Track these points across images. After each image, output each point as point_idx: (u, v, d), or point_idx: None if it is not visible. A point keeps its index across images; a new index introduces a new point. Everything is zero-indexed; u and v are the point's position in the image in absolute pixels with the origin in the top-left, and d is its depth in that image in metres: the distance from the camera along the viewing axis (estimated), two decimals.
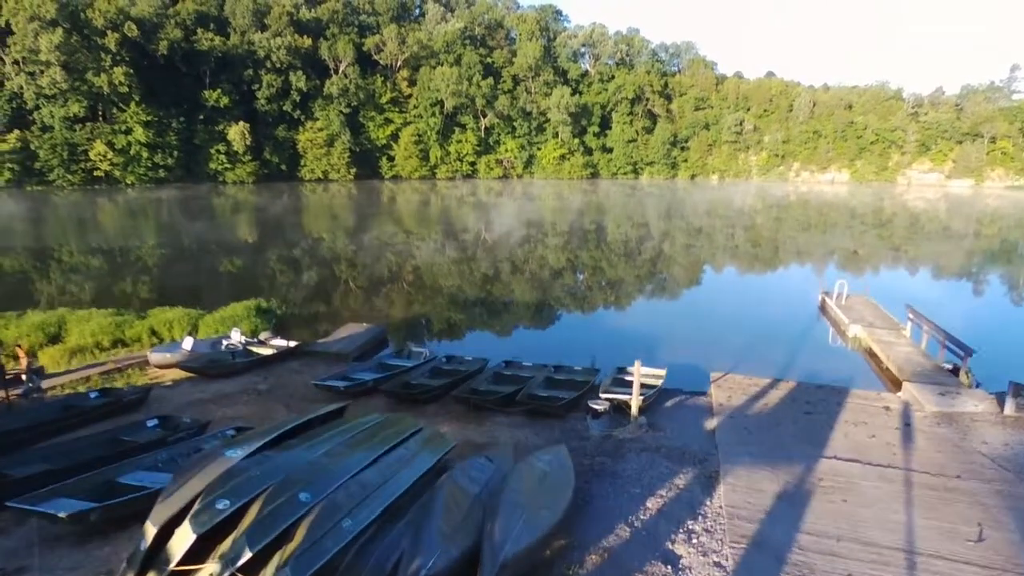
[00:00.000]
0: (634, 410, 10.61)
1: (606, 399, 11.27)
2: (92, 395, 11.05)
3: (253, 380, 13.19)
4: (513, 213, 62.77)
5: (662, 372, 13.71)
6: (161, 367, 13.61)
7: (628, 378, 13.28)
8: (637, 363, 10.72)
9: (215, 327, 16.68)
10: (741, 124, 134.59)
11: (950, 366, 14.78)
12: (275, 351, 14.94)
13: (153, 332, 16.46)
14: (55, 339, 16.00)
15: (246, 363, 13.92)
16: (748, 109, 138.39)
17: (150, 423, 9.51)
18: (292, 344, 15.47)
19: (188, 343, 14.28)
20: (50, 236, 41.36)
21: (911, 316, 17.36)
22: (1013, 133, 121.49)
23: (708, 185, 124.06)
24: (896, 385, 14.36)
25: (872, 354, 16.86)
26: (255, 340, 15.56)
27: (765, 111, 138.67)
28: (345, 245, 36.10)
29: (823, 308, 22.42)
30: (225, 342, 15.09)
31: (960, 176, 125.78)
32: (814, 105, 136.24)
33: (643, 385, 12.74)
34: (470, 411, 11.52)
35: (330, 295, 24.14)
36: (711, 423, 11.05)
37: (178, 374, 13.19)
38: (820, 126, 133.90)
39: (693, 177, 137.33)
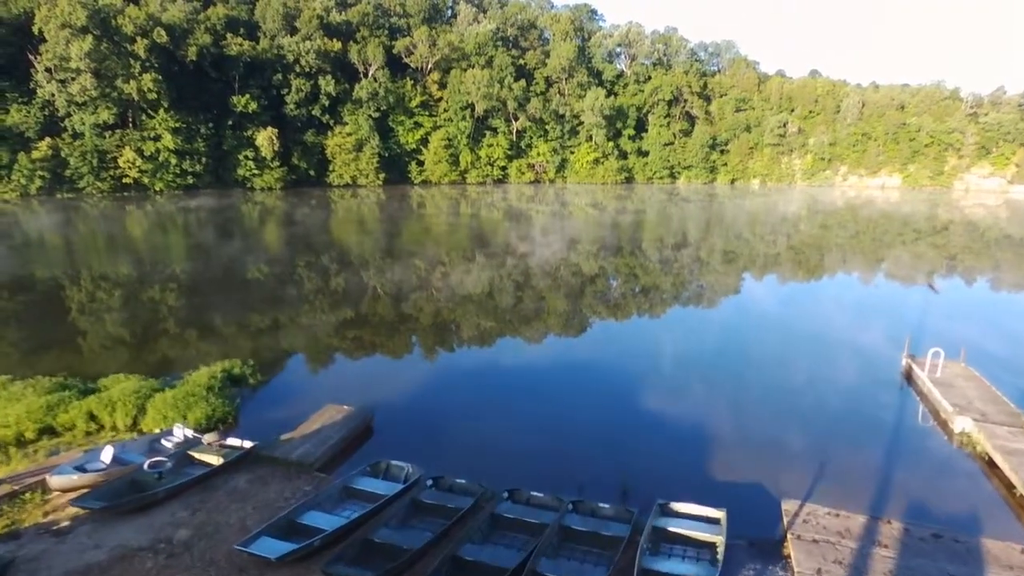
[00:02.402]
0: None
1: None
2: None
3: (177, 517, 10.10)
4: (543, 227, 59.44)
5: (720, 515, 10.17)
6: (65, 491, 10.71)
7: (673, 528, 9.84)
8: None
9: (164, 412, 13.75)
10: (785, 126, 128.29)
11: None
12: (222, 459, 11.83)
13: (92, 417, 13.65)
14: None
15: (174, 488, 10.80)
16: (792, 110, 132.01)
17: None
18: (247, 445, 12.41)
19: (107, 454, 11.33)
20: (56, 258, 39.64)
21: None
22: None
23: (749, 190, 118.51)
24: None
25: (992, 465, 13.01)
26: (200, 440, 12.52)
27: (810, 112, 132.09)
28: (349, 283, 32.47)
29: (909, 379, 18.40)
30: (165, 440, 12.15)
31: None
32: (863, 105, 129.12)
33: (697, 544, 9.33)
34: None
35: (318, 357, 20.81)
36: None
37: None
38: (870, 128, 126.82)
39: (733, 182, 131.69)
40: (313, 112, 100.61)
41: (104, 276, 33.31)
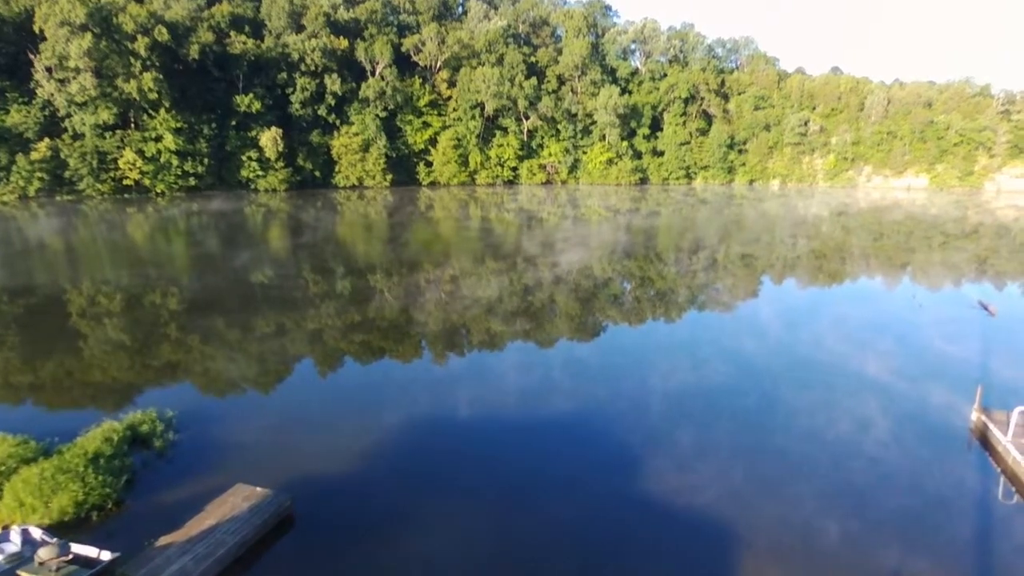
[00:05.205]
0: None
1: None
2: None
3: None
4: (551, 236, 56.50)
5: None
6: None
7: None
8: None
9: (22, 497, 10.83)
10: (806, 124, 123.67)
11: None
12: None
13: None
14: None
15: None
16: (814, 108, 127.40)
17: None
18: (104, 557, 9.59)
19: None
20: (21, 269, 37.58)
21: None
22: None
23: (769, 192, 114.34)
24: None
25: None
26: (36, 549, 9.53)
27: (832, 110, 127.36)
28: (334, 307, 29.44)
29: (984, 442, 14.97)
30: None
31: None
32: (888, 103, 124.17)
33: None
34: None
35: (251, 407, 17.52)
36: None
37: None
38: (895, 126, 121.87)
39: (752, 182, 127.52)
40: (319, 112, 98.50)
41: (55, 290, 31.09)
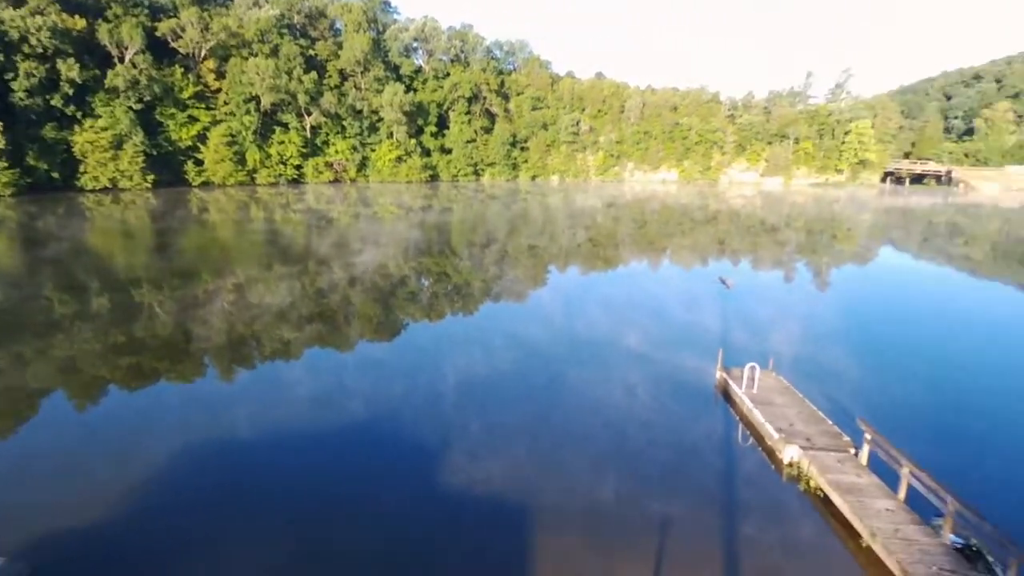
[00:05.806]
0: None
1: None
2: None
3: None
4: (342, 234, 54.64)
5: None
6: None
7: None
8: None
9: None
10: (577, 124, 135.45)
11: (960, 543, 10.41)
12: None
13: None
14: None
15: None
16: (583, 109, 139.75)
17: None
18: None
19: None
20: None
21: (869, 438, 12.90)
22: (812, 134, 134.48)
23: (549, 186, 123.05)
24: None
25: (828, 503, 12.20)
26: None
27: (599, 111, 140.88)
28: (62, 336, 25.82)
29: (727, 396, 17.61)
30: None
31: (772, 174, 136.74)
32: (643, 106, 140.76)
33: None
34: None
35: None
36: None
37: None
38: (650, 127, 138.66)
39: (534, 178, 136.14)
40: (52, 102, 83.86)
41: None
